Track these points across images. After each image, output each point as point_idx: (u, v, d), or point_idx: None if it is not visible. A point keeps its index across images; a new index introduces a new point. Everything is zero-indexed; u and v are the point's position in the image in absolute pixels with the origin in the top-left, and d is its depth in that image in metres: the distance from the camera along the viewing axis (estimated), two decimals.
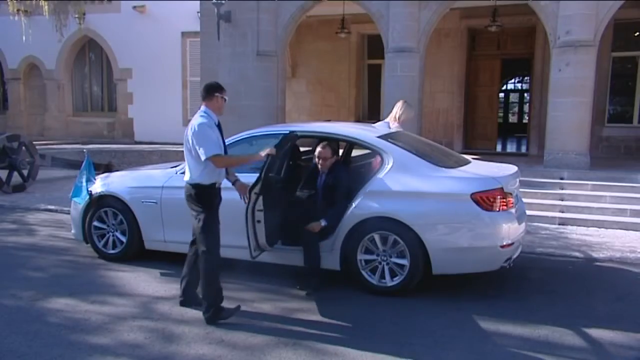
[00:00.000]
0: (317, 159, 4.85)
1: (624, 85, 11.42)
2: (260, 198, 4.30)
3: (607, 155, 10.61)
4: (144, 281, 4.85)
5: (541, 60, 11.36)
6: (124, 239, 5.39)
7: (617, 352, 3.52)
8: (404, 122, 5.98)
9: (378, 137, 4.85)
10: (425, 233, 4.36)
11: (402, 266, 4.43)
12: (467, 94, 12.76)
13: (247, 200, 4.16)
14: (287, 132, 4.81)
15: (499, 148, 14.59)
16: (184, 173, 5.04)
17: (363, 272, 4.53)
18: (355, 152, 5.93)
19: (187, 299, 4.23)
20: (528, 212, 6.70)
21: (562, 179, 8.25)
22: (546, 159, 8.86)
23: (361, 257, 4.53)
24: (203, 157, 3.80)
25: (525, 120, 19.70)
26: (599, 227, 7.06)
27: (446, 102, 12.38)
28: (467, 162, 5.14)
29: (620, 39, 11.10)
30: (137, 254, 5.38)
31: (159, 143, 13.86)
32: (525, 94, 22.01)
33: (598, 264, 5.59)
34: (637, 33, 11.19)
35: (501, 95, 23.41)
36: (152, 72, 15.08)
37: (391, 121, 5.93)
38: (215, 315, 3.92)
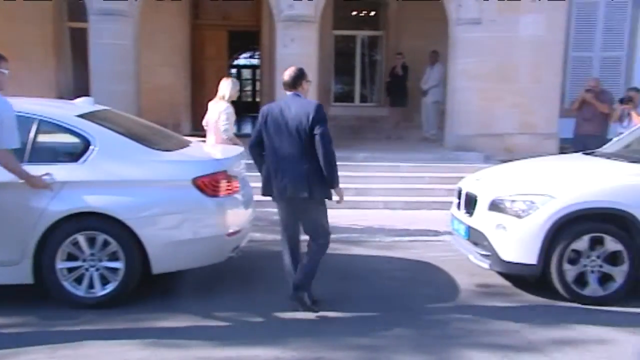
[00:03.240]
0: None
1: (347, 65, 13.16)
2: None
3: (334, 135, 12.07)
4: None
5: (268, 34, 12.21)
6: None
7: (339, 330, 4.09)
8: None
9: (78, 116, 4.53)
10: (141, 228, 4.27)
11: (115, 270, 4.27)
12: (194, 68, 12.93)
13: None
14: None
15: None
16: None
17: (65, 284, 4.22)
18: None
19: None
20: (255, 198, 7.24)
21: None
22: None
23: (61, 265, 4.21)
24: None
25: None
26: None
27: (170, 78, 12.29)
28: (188, 144, 5.23)
29: (340, 18, 12.72)
30: None
31: None
32: (258, 70, 23.47)
33: None
34: (355, 12, 13.01)
35: (234, 71, 24.54)
36: None
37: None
38: None
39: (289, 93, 4.35)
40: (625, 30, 11.45)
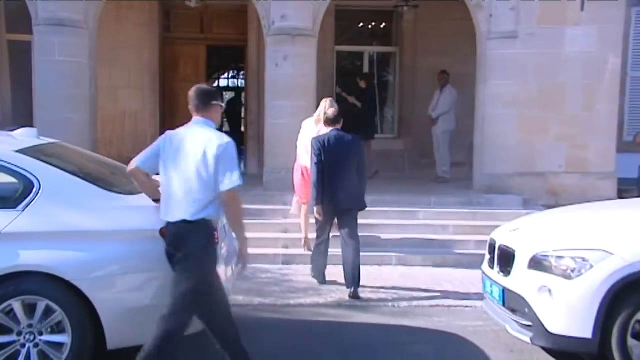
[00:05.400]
0: None
1: (352, 87, 13.25)
2: None
3: None
4: None
5: (256, 51, 12.38)
6: None
7: None
8: None
9: (17, 151, 4.55)
10: (95, 291, 4.23)
11: (59, 346, 4.21)
12: (164, 91, 13.05)
13: None
14: None
15: None
16: None
17: None
18: None
19: None
20: None
21: (286, 205, 9.06)
22: (266, 180, 9.67)
23: None
24: (229, 186, 4.00)
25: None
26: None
27: (135, 102, 12.44)
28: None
29: (344, 31, 12.89)
30: None
31: None
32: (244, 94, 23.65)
33: (325, 311, 6.30)
34: (362, 24, 13.18)
35: None
36: None
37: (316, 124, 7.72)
38: None
39: (331, 128, 6.81)
40: None
